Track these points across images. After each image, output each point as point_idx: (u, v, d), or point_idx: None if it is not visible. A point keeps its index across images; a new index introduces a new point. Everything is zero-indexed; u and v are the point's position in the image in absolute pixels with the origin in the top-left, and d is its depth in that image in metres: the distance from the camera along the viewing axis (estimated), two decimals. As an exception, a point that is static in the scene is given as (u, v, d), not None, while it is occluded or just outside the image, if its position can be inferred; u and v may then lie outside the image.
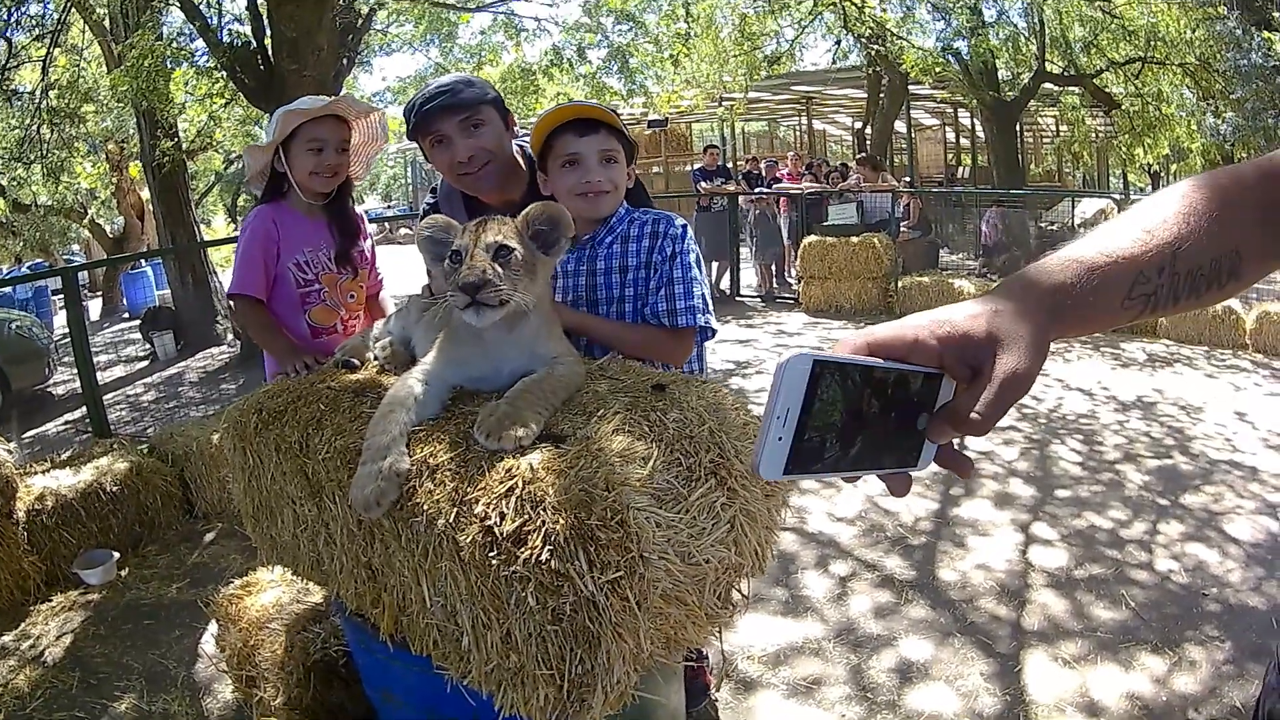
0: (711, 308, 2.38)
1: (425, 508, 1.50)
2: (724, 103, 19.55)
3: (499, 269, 1.74)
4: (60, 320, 16.38)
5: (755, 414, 1.69)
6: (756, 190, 12.91)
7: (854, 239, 10.79)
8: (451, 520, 1.44)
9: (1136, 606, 3.64)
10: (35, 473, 4.81)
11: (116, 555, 4.52)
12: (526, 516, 1.35)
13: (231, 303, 2.96)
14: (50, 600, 4.24)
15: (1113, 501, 4.73)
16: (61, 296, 7.05)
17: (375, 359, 2.23)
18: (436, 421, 1.75)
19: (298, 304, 2.90)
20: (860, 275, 10.76)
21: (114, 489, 4.71)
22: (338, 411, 1.90)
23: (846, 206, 11.59)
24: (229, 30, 9.23)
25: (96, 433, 5.97)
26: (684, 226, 2.40)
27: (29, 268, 17.77)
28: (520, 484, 1.40)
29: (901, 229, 11.92)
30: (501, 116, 2.60)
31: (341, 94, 3.02)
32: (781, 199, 12.67)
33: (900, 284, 10.71)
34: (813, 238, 11.11)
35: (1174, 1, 13.79)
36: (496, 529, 1.36)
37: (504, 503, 1.38)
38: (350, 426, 1.82)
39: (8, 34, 8.96)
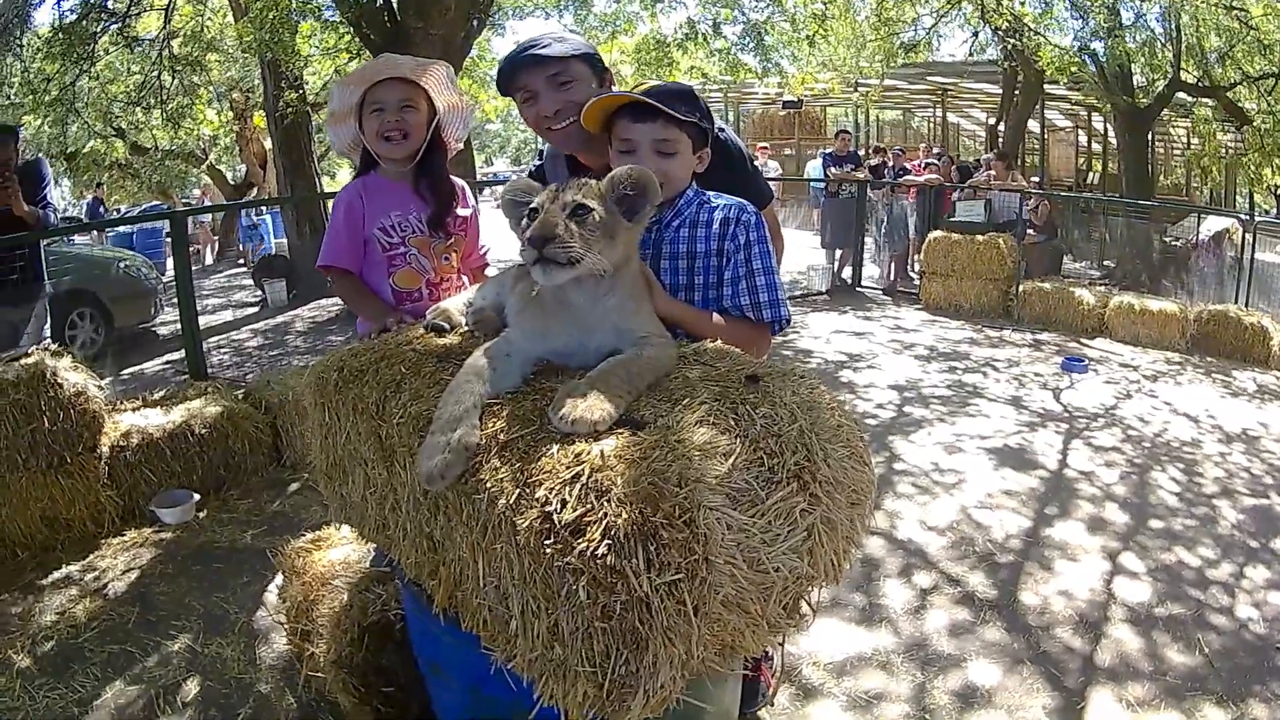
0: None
1: (488, 485, 1.44)
2: (859, 88, 19.23)
3: (573, 226, 1.70)
4: (171, 262, 16.98)
5: (854, 414, 1.61)
6: (884, 180, 12.60)
7: (979, 238, 10.48)
8: (512, 502, 1.37)
9: (1210, 653, 3.46)
10: (125, 409, 4.93)
11: (197, 497, 4.60)
12: (589, 506, 1.28)
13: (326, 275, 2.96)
14: (123, 535, 4.34)
15: (1204, 538, 4.51)
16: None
17: (466, 325, 2.19)
18: (515, 395, 1.69)
19: (384, 268, 2.87)
20: (982, 275, 10.44)
21: (202, 431, 4.79)
22: (418, 376, 1.87)
23: (975, 203, 11.22)
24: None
25: (193, 375, 6.12)
26: (756, 214, 2.28)
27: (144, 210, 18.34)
28: (587, 471, 1.33)
29: (1029, 231, 11.51)
30: (595, 74, 2.53)
31: (388, 56, 2.90)
32: (911, 190, 12.34)
33: (1021, 288, 10.35)
34: (938, 233, 10.82)
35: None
36: (556, 516, 1.29)
37: (567, 489, 1.31)
38: (428, 392, 1.78)
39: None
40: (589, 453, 1.38)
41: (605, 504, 1.26)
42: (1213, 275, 10.60)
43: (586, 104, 2.25)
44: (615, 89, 2.56)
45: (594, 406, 1.48)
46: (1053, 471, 5.34)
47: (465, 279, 3.01)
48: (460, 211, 2.98)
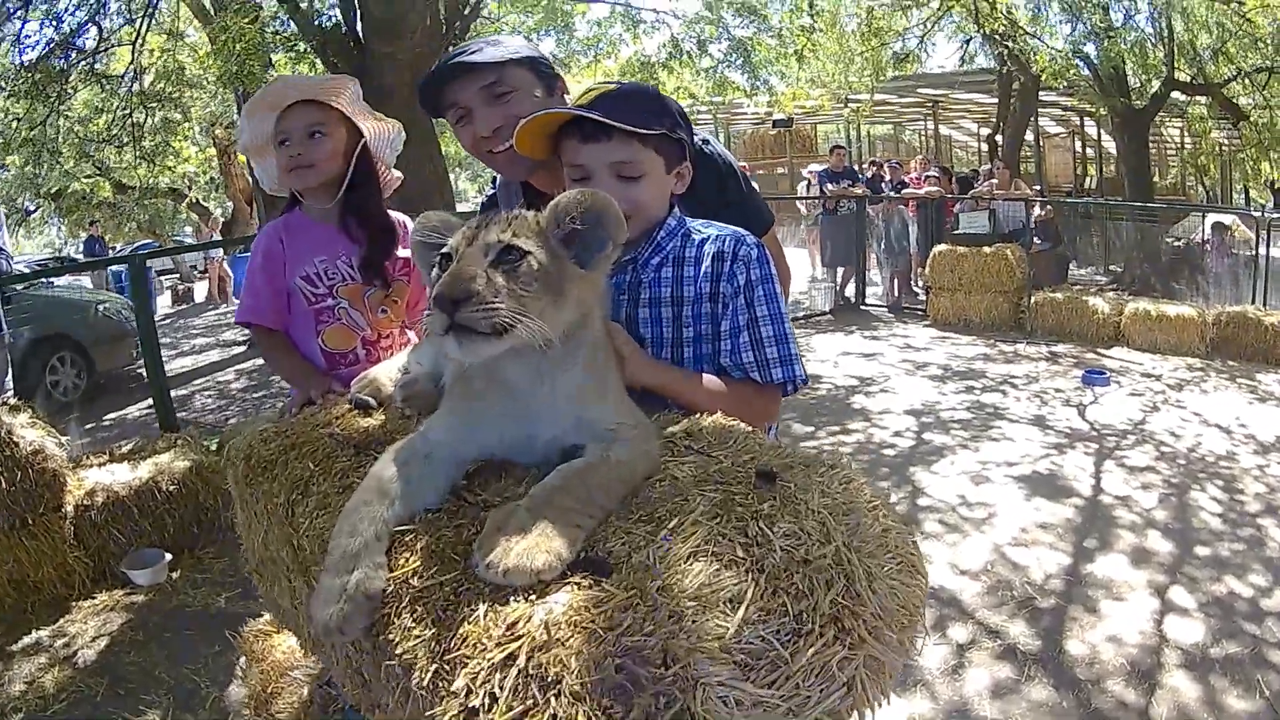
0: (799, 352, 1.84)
1: (399, 651, 1.06)
2: (849, 104, 19.01)
3: (498, 279, 1.27)
4: (163, 301, 16.82)
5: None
6: (884, 195, 12.34)
7: (986, 249, 10.27)
8: (427, 682, 0.99)
9: (1270, 695, 3.21)
10: (91, 465, 4.69)
11: (168, 557, 4.36)
12: (529, 702, 0.89)
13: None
14: (94, 597, 4.12)
15: (1253, 564, 4.27)
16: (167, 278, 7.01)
17: (396, 400, 1.77)
18: (439, 513, 1.28)
19: (310, 324, 2.45)
20: (991, 288, 10.24)
21: (171, 488, 4.52)
22: (329, 475, 1.49)
23: (978, 215, 11.02)
24: (318, 8, 8.98)
25: (163, 426, 5.81)
26: (758, 245, 1.82)
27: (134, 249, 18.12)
28: (525, 651, 0.94)
29: (1034, 240, 11.28)
30: (541, 81, 2.11)
31: (285, 77, 2.45)
32: (910, 204, 12.06)
33: (1033, 299, 10.14)
34: (943, 247, 10.61)
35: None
36: (483, 714, 0.91)
37: (498, 676, 0.92)
38: (337, 501, 1.39)
39: (98, 18, 8.90)
40: (529, 620, 0.97)
41: (552, 700, 0.88)
42: (1227, 275, 10.43)
43: (519, 125, 1.80)
44: (569, 98, 2.11)
45: (535, 547, 1.07)
46: (1087, 498, 5.07)
47: (411, 334, 2.59)
48: (401, 252, 2.55)
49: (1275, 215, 12.11)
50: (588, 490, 1.20)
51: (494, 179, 2.48)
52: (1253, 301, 9.45)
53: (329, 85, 2.44)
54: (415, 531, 1.23)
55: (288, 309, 2.45)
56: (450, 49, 8.63)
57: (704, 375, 1.76)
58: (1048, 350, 9.12)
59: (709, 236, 1.82)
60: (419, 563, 1.16)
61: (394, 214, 2.55)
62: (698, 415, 1.54)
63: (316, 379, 2.22)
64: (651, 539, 1.11)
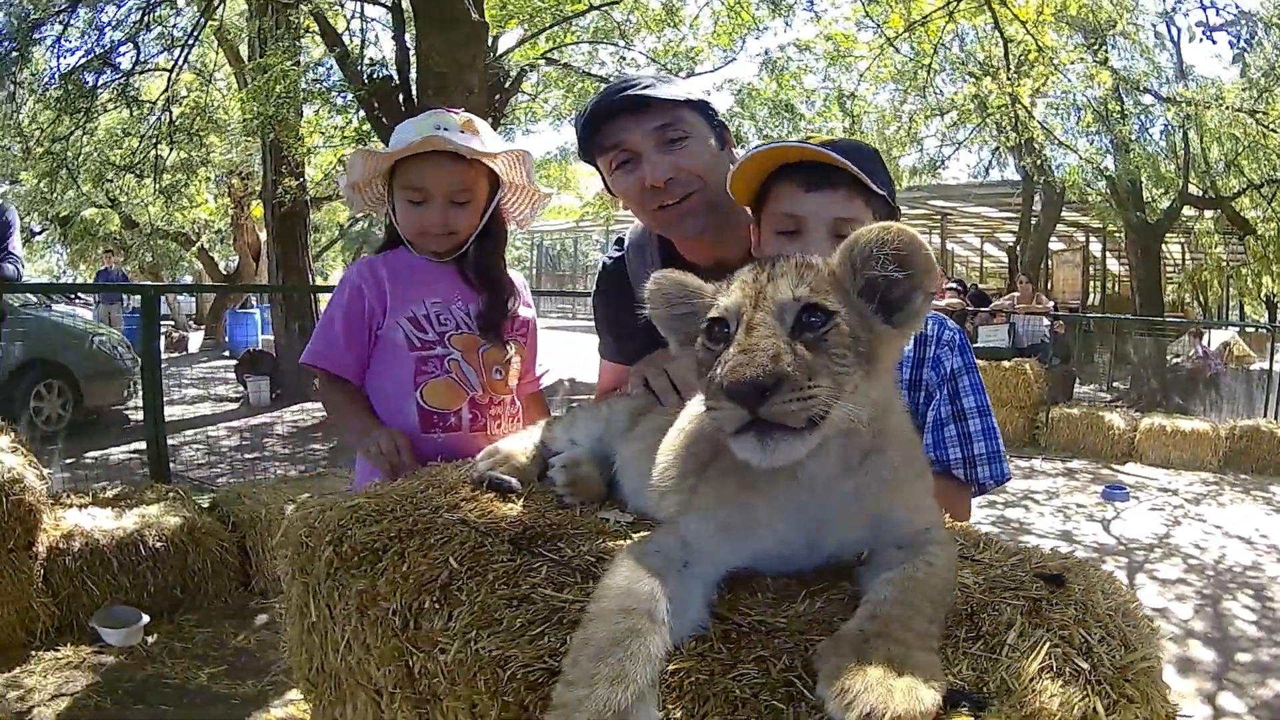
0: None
1: None
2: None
3: (804, 353, 0.95)
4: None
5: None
6: None
7: (1005, 364, 10.28)
8: None
9: None
10: (71, 505, 4.37)
11: (146, 619, 3.98)
12: None
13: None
14: (58, 650, 3.75)
15: None
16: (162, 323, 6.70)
17: (553, 482, 1.43)
18: (706, 641, 0.96)
19: (409, 375, 2.08)
20: (1008, 403, 10.16)
21: (157, 545, 4.21)
22: (483, 578, 1.14)
23: (998, 329, 11.11)
24: (369, 59, 8.82)
25: (154, 475, 5.42)
26: (960, 332, 1.65)
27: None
28: None
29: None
30: (713, 130, 1.84)
31: (438, 118, 2.05)
32: None
33: (1050, 415, 10.11)
34: None
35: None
36: None
37: None
38: (511, 617, 1.04)
39: (137, 39, 8.73)
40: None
41: None
42: (1240, 389, 10.55)
43: (740, 160, 1.55)
44: (738, 153, 1.84)
45: (914, 682, 0.80)
46: (1125, 612, 4.92)
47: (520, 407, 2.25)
48: (523, 311, 2.25)
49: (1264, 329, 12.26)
50: (932, 607, 0.94)
51: (619, 240, 2.16)
52: (1265, 415, 9.62)
53: (487, 154, 2.08)
54: (689, 670, 0.89)
55: (368, 360, 2.13)
56: (490, 121, 8.50)
57: None
58: (1064, 466, 9.15)
59: None
60: (712, 709, 0.85)
61: (510, 272, 2.27)
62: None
63: (376, 437, 1.89)
64: (991, 659, 0.89)
